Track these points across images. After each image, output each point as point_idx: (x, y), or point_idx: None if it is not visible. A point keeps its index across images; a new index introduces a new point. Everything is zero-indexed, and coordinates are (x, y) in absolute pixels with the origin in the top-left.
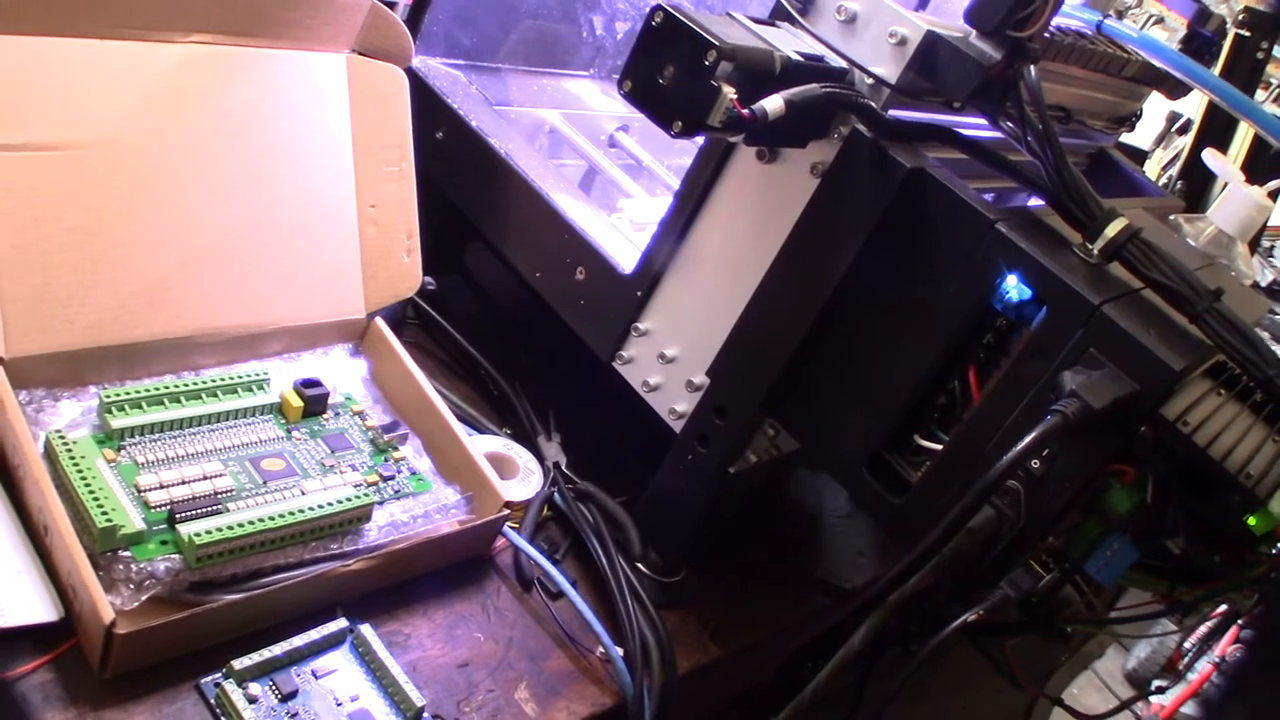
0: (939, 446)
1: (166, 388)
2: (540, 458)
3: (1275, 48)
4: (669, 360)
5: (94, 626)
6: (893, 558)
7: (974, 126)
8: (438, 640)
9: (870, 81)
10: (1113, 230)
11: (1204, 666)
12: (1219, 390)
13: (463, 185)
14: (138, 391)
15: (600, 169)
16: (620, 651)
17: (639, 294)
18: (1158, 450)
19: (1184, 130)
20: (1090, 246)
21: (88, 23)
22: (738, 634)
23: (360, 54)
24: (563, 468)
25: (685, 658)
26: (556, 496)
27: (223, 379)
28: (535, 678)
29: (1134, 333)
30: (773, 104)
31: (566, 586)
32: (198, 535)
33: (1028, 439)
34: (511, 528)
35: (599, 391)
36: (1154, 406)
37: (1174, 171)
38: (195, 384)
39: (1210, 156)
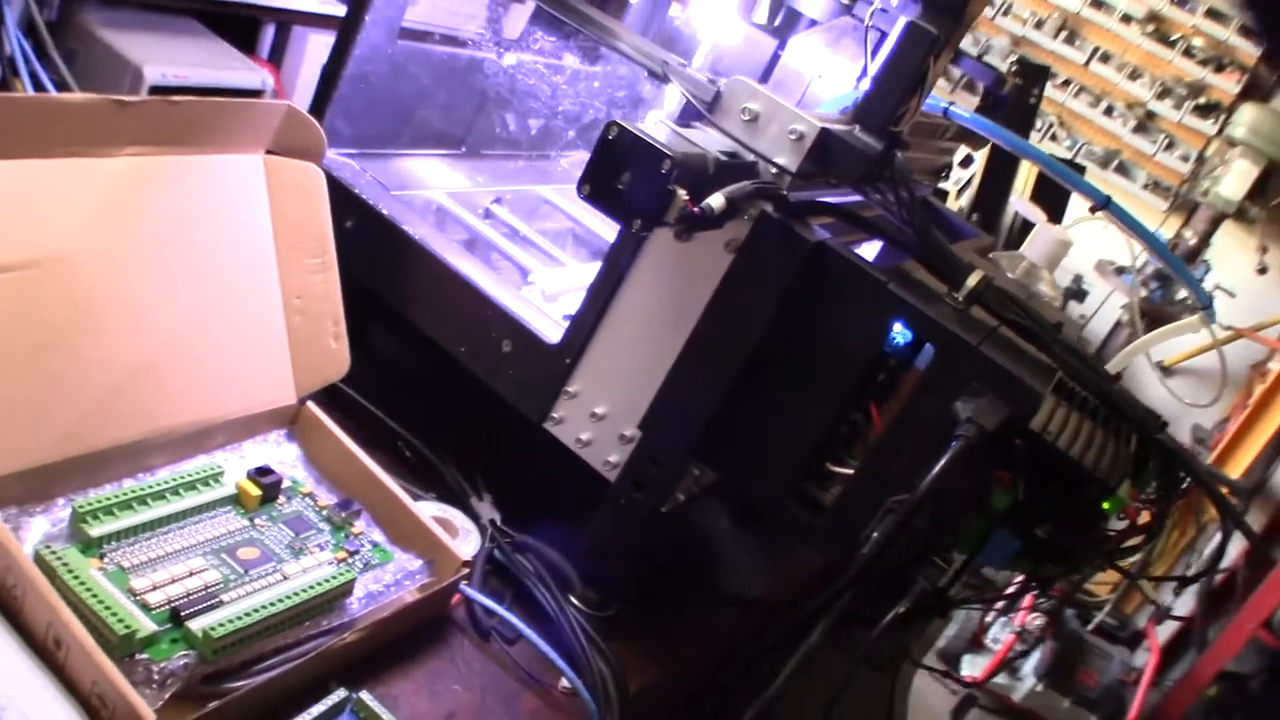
0: (849, 471)
1: (133, 491)
2: (474, 517)
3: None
4: (599, 418)
5: None
6: (783, 569)
7: (840, 195)
8: (421, 697)
9: (774, 170)
10: (972, 281)
11: (1006, 637)
12: (1064, 403)
13: (377, 270)
14: (106, 499)
15: (490, 242)
16: (582, 683)
17: (567, 361)
18: (1028, 457)
19: (966, 164)
20: (956, 295)
21: (30, 144)
22: (672, 654)
23: (274, 154)
24: (498, 523)
25: (633, 681)
26: (496, 551)
27: (180, 477)
28: (514, 717)
29: (1006, 365)
30: (716, 201)
31: (527, 631)
32: (212, 630)
33: (944, 461)
34: (464, 584)
35: (517, 451)
36: (1025, 422)
37: (963, 202)
38: (157, 485)
39: (1020, 204)
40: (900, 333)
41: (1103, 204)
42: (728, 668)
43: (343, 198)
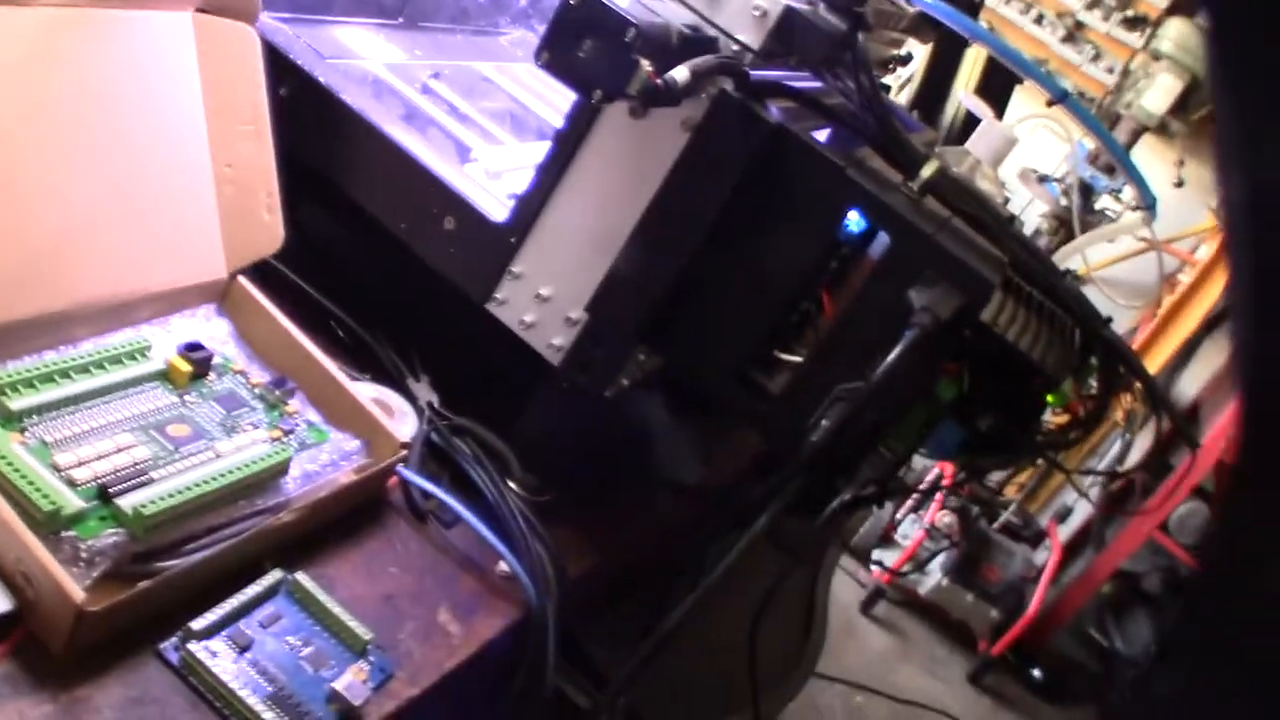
0: (798, 359)
1: (55, 364)
2: (411, 398)
3: None
4: (544, 299)
5: (58, 609)
6: (720, 457)
7: (801, 78)
8: (359, 579)
9: (735, 48)
10: (928, 171)
11: (915, 533)
12: (1011, 297)
13: (312, 142)
14: (28, 371)
15: (429, 118)
16: (521, 566)
17: (512, 240)
18: (975, 347)
19: (905, 61)
20: (911, 184)
21: None
22: (610, 540)
23: (205, 12)
24: (435, 406)
25: (571, 565)
26: (433, 434)
27: (105, 350)
28: (452, 600)
29: (961, 255)
30: (680, 74)
31: (466, 514)
32: (143, 507)
33: (899, 350)
34: (401, 466)
35: (456, 332)
36: (977, 313)
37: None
38: (81, 358)
39: (967, 98)
40: (854, 220)
41: (1061, 98)
42: (669, 553)
43: (277, 64)
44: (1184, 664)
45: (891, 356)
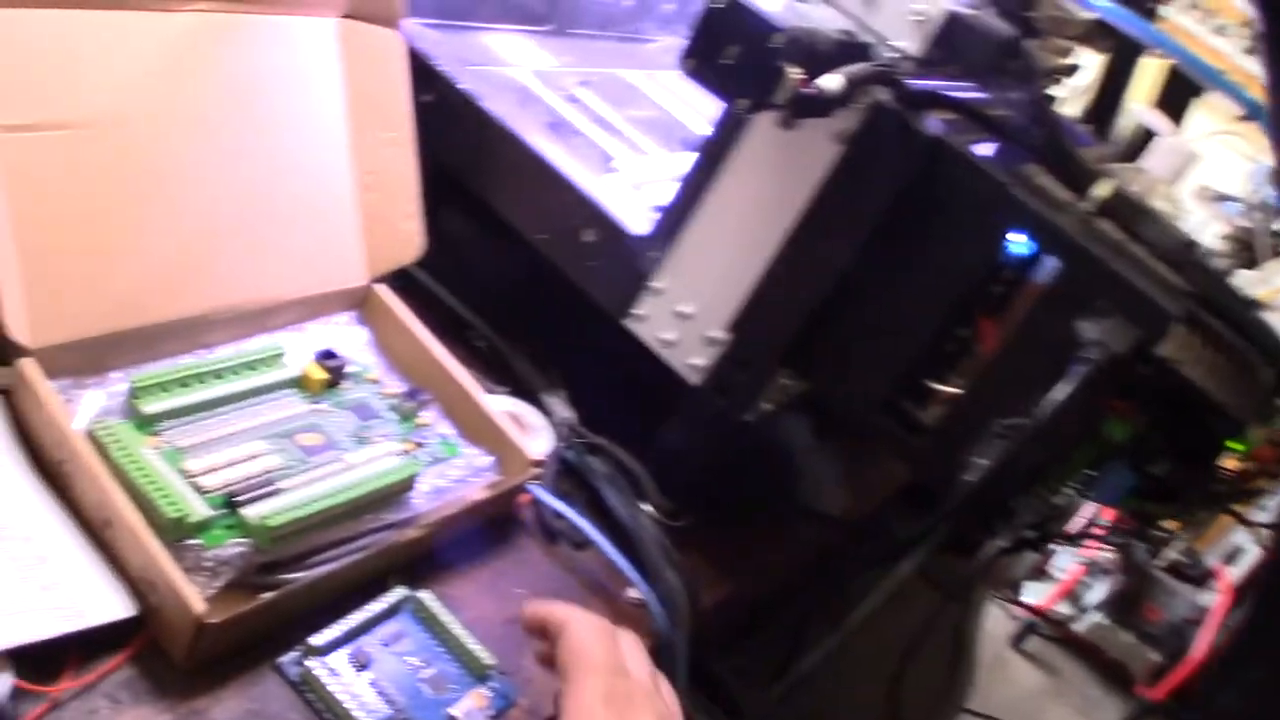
0: (953, 390)
1: (191, 369)
2: (547, 414)
3: None
4: (685, 317)
5: (179, 619)
6: (863, 486)
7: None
8: (484, 599)
9: (892, 54)
10: (1102, 190)
11: (1072, 567)
12: (1194, 330)
13: (454, 150)
14: (164, 375)
15: (574, 128)
16: (652, 594)
17: (653, 254)
18: (1153, 386)
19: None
20: (1083, 204)
21: None
22: (745, 568)
23: (351, 18)
24: (572, 423)
25: (704, 595)
26: (568, 452)
27: (241, 356)
28: None
29: (1138, 284)
30: (832, 82)
31: (597, 537)
32: (269, 518)
33: (1069, 385)
34: (533, 484)
35: (593, 348)
36: (1154, 348)
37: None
38: (216, 363)
39: (1145, 112)
40: (1019, 242)
41: (1254, 113)
42: (808, 584)
43: (421, 70)
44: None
45: (1059, 393)
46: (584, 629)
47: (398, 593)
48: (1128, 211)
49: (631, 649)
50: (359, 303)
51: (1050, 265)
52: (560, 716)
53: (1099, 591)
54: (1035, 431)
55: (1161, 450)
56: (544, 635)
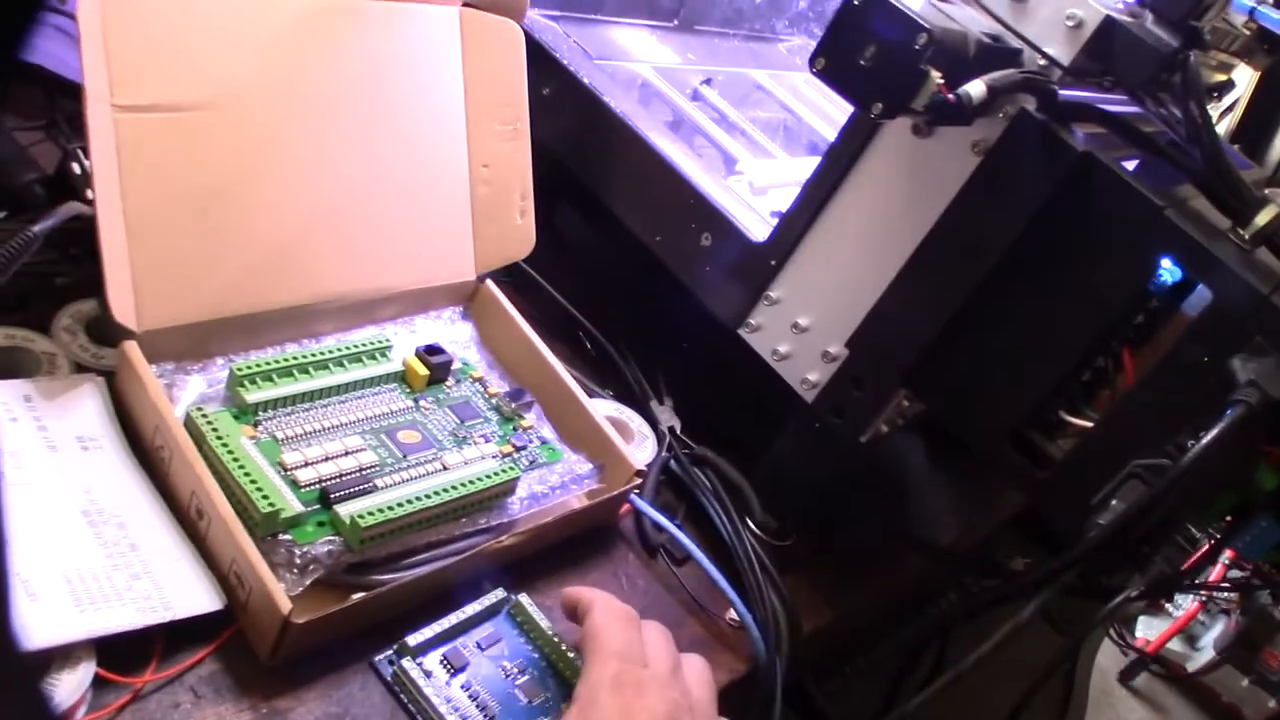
0: (1087, 423)
1: (294, 358)
2: (652, 421)
3: None
4: (802, 330)
5: (266, 615)
6: (974, 518)
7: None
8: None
9: (1041, 62)
10: (1264, 219)
11: (1189, 604)
12: None
13: (573, 145)
14: (267, 364)
15: (697, 126)
16: (752, 617)
17: (772, 262)
18: None
19: (1225, 89)
20: (1242, 232)
21: None
22: (849, 595)
23: (473, 6)
24: (677, 432)
25: (805, 620)
26: (672, 462)
27: (345, 348)
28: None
29: None
30: (976, 89)
31: (698, 554)
32: (361, 517)
33: (1219, 428)
34: (635, 494)
35: (702, 357)
36: None
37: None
38: (320, 354)
39: None
40: (1167, 270)
41: None
42: (915, 615)
43: (542, 62)
44: None
45: (1209, 436)
46: (606, 613)
47: (496, 594)
48: None
49: (655, 639)
50: (466, 298)
51: (1202, 296)
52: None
53: (1216, 631)
54: (1180, 477)
55: None
56: (575, 617)
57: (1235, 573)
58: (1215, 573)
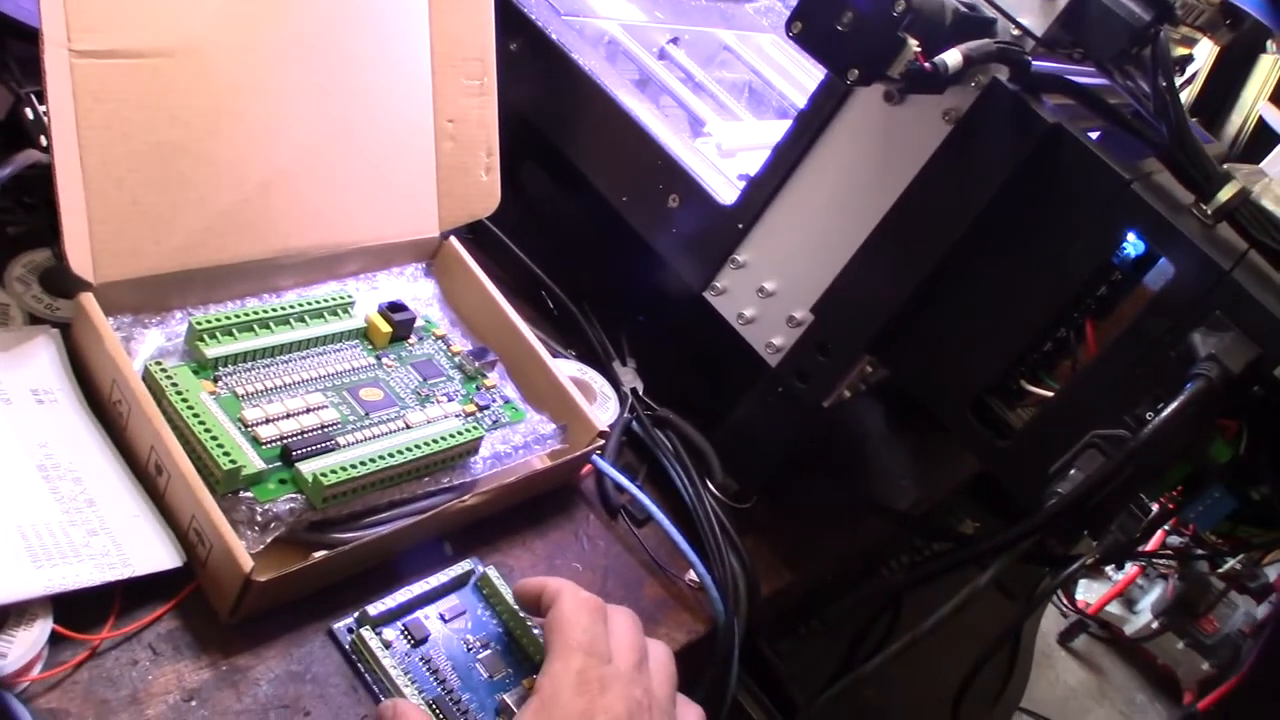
0: (1047, 393)
1: (255, 313)
2: (615, 383)
3: None
4: (767, 294)
5: (227, 573)
6: (932, 482)
7: (1083, 73)
8: (540, 571)
9: (1015, 32)
10: (1227, 194)
11: (1129, 569)
12: None
13: (540, 101)
14: (227, 318)
15: (664, 85)
16: (711, 578)
17: (739, 225)
18: (1264, 407)
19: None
20: (1205, 207)
21: None
22: (807, 557)
23: None
24: (640, 394)
25: (764, 582)
26: (634, 423)
27: (307, 303)
28: (634, 606)
29: (1260, 298)
30: (953, 58)
31: (659, 516)
32: (323, 475)
33: (1179, 402)
34: (596, 455)
35: (666, 319)
36: (1272, 367)
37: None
38: (282, 309)
39: (1268, 110)
40: (1131, 243)
41: None
42: (871, 578)
43: (510, 17)
44: None
45: (1169, 409)
46: (573, 605)
47: (463, 565)
48: (1251, 218)
49: (622, 630)
50: (430, 255)
51: (1164, 270)
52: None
53: (1154, 595)
54: (1139, 448)
55: (1265, 474)
56: (537, 608)
57: (1175, 539)
58: (1155, 540)
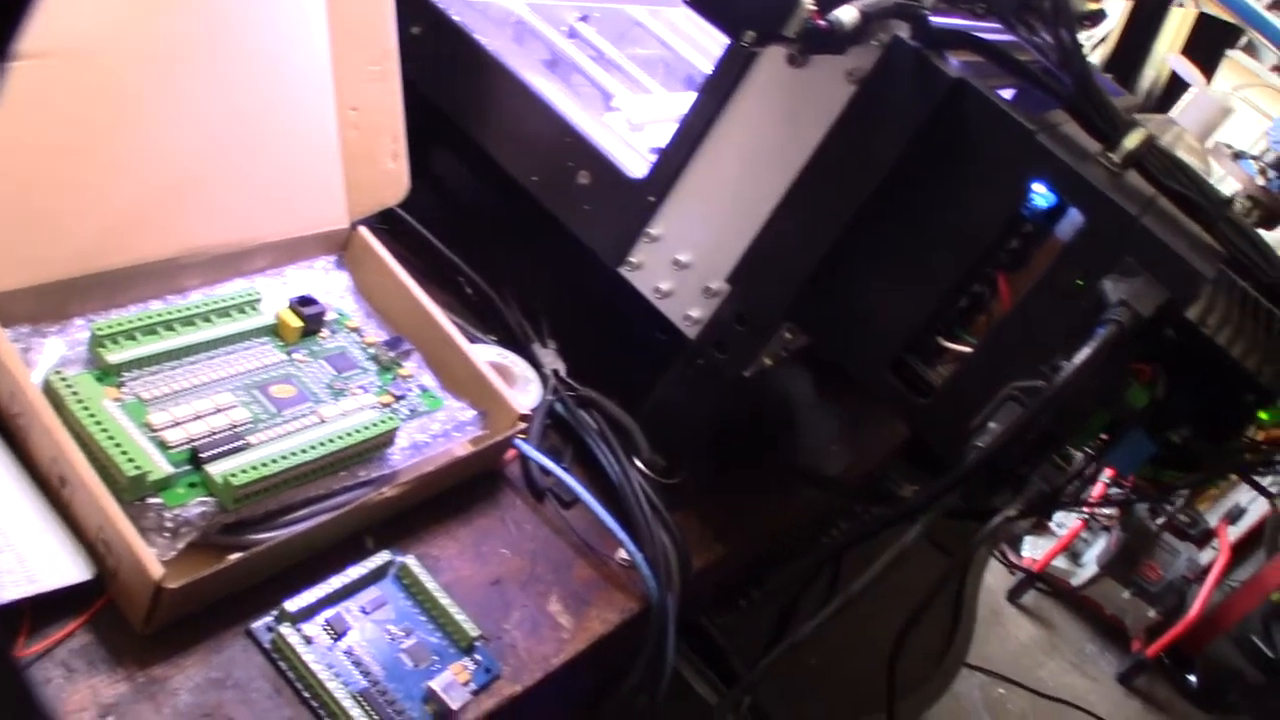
0: (965, 349)
1: (158, 315)
2: (536, 365)
3: None
4: (683, 266)
5: (137, 583)
6: (863, 448)
7: (986, 28)
8: (466, 560)
9: None
10: (1133, 141)
11: (1071, 522)
12: (1224, 293)
13: (444, 85)
14: (129, 322)
15: (573, 63)
16: (642, 556)
17: (650, 199)
18: (1178, 350)
19: (1097, 20)
20: (1111, 155)
21: None
22: (740, 529)
23: None
24: (562, 375)
25: (696, 556)
26: (558, 405)
27: (213, 302)
28: (565, 589)
29: (1169, 243)
30: (848, 15)
31: (586, 496)
32: (233, 476)
33: (1091, 349)
34: (520, 439)
35: (585, 297)
36: (1182, 310)
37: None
38: (186, 309)
39: (1176, 61)
40: (1040, 194)
41: None
42: (806, 546)
43: (410, 0)
44: None
45: (1080, 357)
46: None
47: (381, 557)
48: (1158, 164)
49: None
50: (340, 246)
51: (1074, 219)
52: None
53: (1098, 547)
54: (1054, 397)
55: (1183, 417)
56: None
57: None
58: (1096, 491)
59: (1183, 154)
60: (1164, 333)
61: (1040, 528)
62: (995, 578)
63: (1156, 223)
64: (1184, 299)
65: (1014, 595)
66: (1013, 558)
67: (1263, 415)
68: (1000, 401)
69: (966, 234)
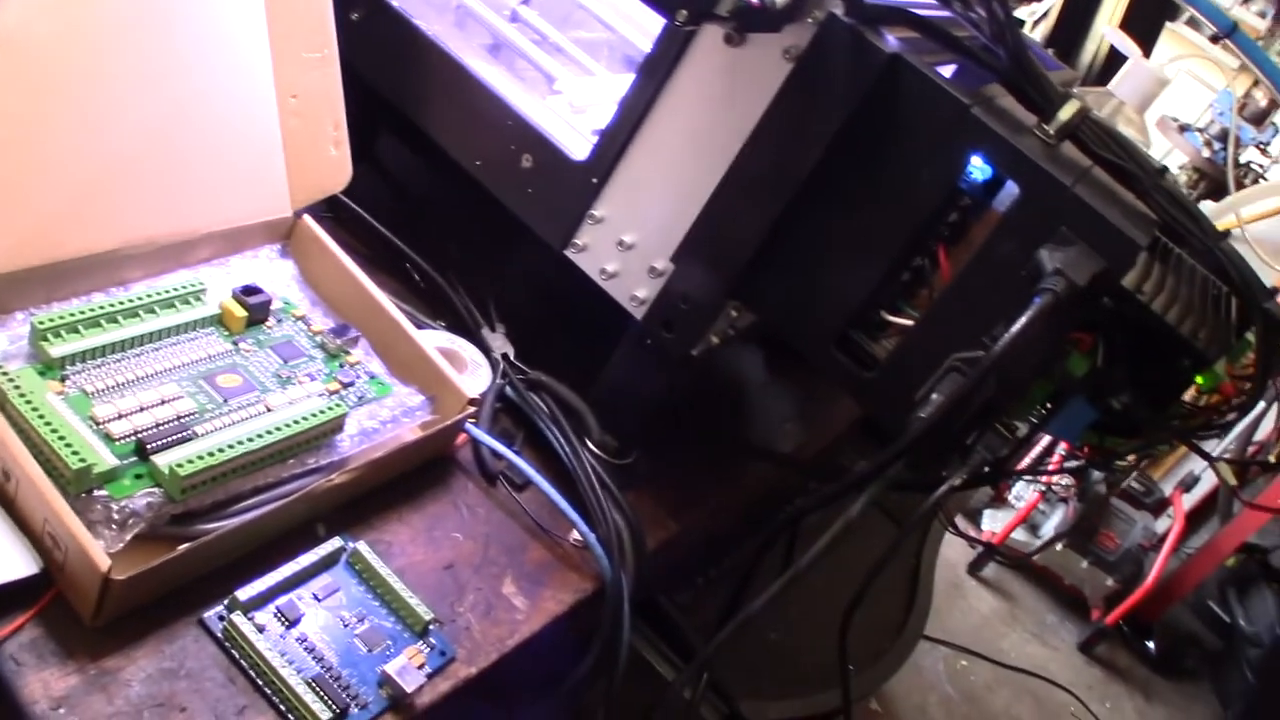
0: (907, 322)
1: (101, 308)
2: (485, 350)
3: None
4: (628, 247)
5: (85, 575)
6: (819, 423)
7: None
8: (419, 545)
9: None
10: (1067, 113)
11: (1029, 495)
12: (1160, 261)
13: (385, 71)
14: (72, 315)
15: (516, 48)
16: (595, 536)
17: (594, 180)
18: (1116, 318)
19: None
20: (1046, 127)
21: None
22: (693, 507)
23: None
24: (511, 358)
25: (650, 535)
26: (508, 388)
27: (156, 293)
28: (518, 571)
29: (1104, 212)
30: None
31: (537, 478)
32: (179, 466)
33: (1026, 318)
34: (470, 423)
35: (533, 280)
36: (1118, 279)
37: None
38: (130, 301)
39: (1114, 35)
40: (977, 168)
41: (1227, 31)
42: (759, 522)
43: None
44: None
45: (1017, 325)
46: None
47: (333, 543)
48: (1093, 135)
49: None
50: (284, 235)
51: (1011, 191)
52: None
53: (1056, 519)
54: (992, 366)
55: (1123, 384)
56: None
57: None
58: (1053, 464)
59: (1121, 126)
60: (1102, 301)
61: (999, 500)
62: (955, 551)
63: (1090, 192)
64: (1119, 267)
65: (974, 568)
66: (972, 531)
67: (1199, 380)
68: (943, 373)
69: (906, 208)
